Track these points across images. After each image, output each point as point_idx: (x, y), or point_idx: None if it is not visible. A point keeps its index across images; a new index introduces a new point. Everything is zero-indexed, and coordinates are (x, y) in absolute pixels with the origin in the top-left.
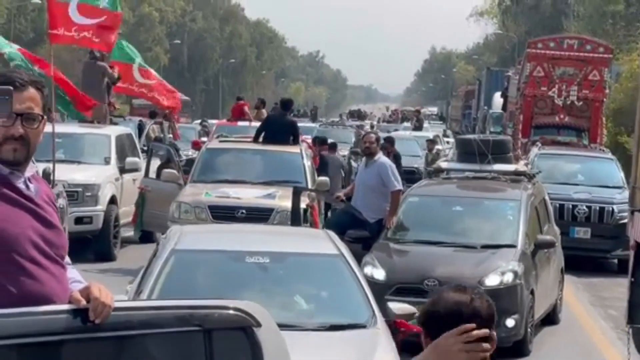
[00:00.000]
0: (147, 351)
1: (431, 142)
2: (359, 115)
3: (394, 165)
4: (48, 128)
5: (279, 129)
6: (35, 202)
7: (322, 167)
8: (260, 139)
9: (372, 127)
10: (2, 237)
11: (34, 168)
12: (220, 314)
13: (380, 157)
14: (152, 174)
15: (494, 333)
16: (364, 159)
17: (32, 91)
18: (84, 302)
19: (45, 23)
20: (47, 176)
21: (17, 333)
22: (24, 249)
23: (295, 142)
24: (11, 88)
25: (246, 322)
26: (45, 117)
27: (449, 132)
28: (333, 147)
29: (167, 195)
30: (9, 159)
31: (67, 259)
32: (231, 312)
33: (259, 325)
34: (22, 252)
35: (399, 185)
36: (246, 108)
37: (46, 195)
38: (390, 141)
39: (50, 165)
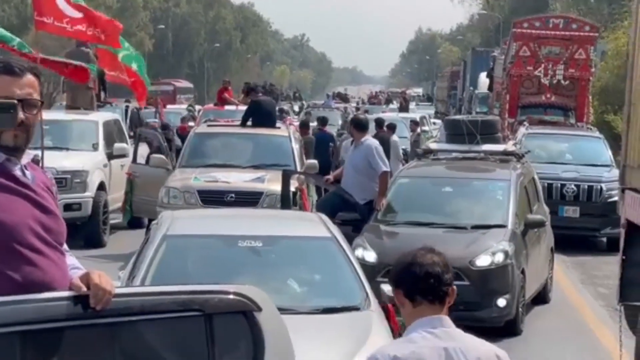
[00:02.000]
0: (148, 337)
1: (414, 124)
2: (342, 97)
3: (380, 147)
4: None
5: (266, 112)
6: (32, 189)
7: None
8: (248, 123)
9: (357, 109)
10: (0, 226)
11: (31, 155)
12: (220, 298)
13: (368, 138)
14: (142, 159)
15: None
16: (352, 140)
17: (30, 77)
18: (84, 288)
19: (29, 9)
20: (36, 163)
21: (19, 320)
22: (23, 237)
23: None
24: (16, 102)
25: (247, 306)
26: (42, 103)
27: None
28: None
29: (156, 180)
30: (9, 145)
31: (65, 246)
32: (231, 296)
33: (259, 309)
34: (21, 240)
35: (385, 166)
36: (226, 94)
37: (42, 183)
38: (379, 124)
39: (39, 152)
